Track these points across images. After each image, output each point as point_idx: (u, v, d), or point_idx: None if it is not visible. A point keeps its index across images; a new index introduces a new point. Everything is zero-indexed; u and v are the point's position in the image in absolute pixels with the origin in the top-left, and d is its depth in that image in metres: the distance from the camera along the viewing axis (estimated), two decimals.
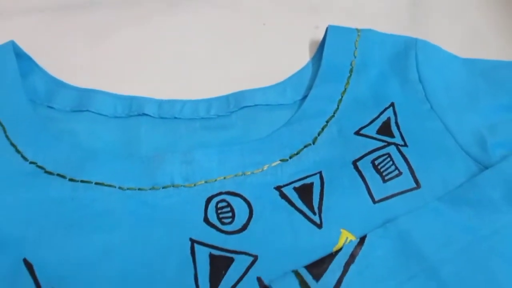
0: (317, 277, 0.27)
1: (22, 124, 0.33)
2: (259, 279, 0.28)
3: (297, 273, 0.27)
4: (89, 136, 0.34)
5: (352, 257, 0.28)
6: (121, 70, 0.39)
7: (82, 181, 0.31)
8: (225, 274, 0.28)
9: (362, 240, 0.28)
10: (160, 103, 0.36)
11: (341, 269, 0.27)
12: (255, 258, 0.29)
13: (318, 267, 0.27)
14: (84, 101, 0.36)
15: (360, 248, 0.28)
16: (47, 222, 0.30)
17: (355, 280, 0.27)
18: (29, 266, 0.27)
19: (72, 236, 0.29)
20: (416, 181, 0.31)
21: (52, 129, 0.34)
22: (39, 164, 0.32)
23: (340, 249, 0.28)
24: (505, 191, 0.29)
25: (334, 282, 0.27)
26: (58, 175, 0.32)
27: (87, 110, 0.36)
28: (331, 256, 0.28)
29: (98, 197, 0.31)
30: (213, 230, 0.30)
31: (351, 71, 0.37)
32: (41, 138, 0.33)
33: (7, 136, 0.33)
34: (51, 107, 0.36)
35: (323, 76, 0.36)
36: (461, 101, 0.35)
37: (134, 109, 0.36)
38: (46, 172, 0.32)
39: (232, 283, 0.28)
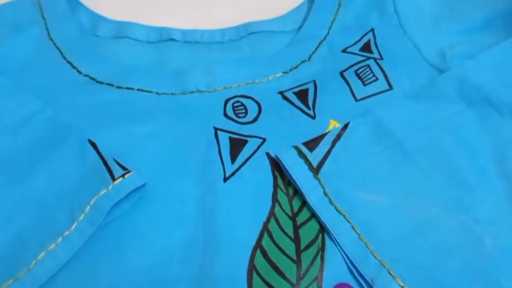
0: (311, 149, 0.36)
1: (75, 47, 0.42)
2: (267, 153, 0.37)
3: (296, 147, 0.36)
4: (128, 56, 0.43)
5: (338, 136, 0.36)
6: (150, 6, 0.47)
7: (127, 88, 0.40)
8: (241, 150, 0.37)
9: (346, 125, 0.37)
10: (184, 31, 0.45)
11: (330, 144, 0.36)
12: (264, 140, 0.37)
13: (312, 142, 0.36)
14: (122, 30, 0.44)
15: (345, 131, 0.37)
16: (101, 117, 0.38)
17: (340, 151, 0.36)
18: (93, 144, 0.35)
19: (121, 126, 0.38)
20: (389, 84, 0.40)
21: (99, 50, 0.43)
22: (91, 76, 0.40)
23: (329, 131, 0.37)
24: (457, 88, 0.38)
25: (324, 152, 0.36)
26: (108, 84, 0.40)
27: (126, 37, 0.44)
28: (322, 135, 0.37)
29: (140, 99, 0.39)
30: (231, 122, 0.38)
31: (339, 4, 0.45)
32: (91, 57, 0.41)
33: (64, 57, 0.41)
34: (96, 35, 0.44)
35: (316, 8, 0.45)
36: (428, 25, 0.43)
37: (163, 36, 0.44)
38: (98, 82, 0.40)
39: (247, 156, 0.36)
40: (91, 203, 0.32)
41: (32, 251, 0.30)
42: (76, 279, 0.30)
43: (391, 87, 0.40)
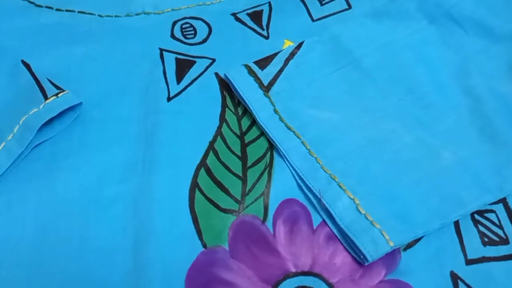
0: (262, 67, 0.33)
1: None
2: (216, 74, 0.34)
3: (246, 65, 0.33)
4: None
5: (292, 55, 0.34)
6: None
7: (67, 10, 0.37)
8: (188, 71, 0.34)
9: (300, 44, 0.35)
10: None
11: (282, 62, 0.34)
12: (213, 60, 0.35)
13: (263, 61, 0.34)
14: None
15: (299, 49, 0.34)
16: (39, 40, 0.35)
17: (293, 70, 0.34)
18: (26, 65, 0.33)
19: (60, 48, 0.35)
20: (348, 3, 0.38)
21: None
22: (29, 0, 0.37)
23: (282, 50, 0.34)
24: (418, 4, 0.36)
25: (276, 71, 0.33)
26: (47, 7, 0.37)
27: None
28: (275, 54, 0.34)
29: (81, 22, 0.37)
30: (178, 43, 0.36)
31: None
32: None
33: None
34: None
35: None
36: None
37: None
38: (37, 5, 0.37)
39: (194, 76, 0.34)
40: (20, 122, 0.29)
41: None
42: (2, 199, 0.28)
43: (349, 7, 0.38)
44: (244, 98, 0.32)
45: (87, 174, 0.29)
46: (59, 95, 0.30)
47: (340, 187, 0.28)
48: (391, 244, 0.26)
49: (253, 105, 0.32)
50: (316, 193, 0.28)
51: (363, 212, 0.27)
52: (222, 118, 0.32)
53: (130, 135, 0.31)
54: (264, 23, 0.37)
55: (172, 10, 0.37)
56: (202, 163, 0.30)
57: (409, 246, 0.27)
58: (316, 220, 0.28)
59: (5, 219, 0.27)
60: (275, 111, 0.31)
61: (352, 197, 0.28)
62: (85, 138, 0.31)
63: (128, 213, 0.28)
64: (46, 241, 0.27)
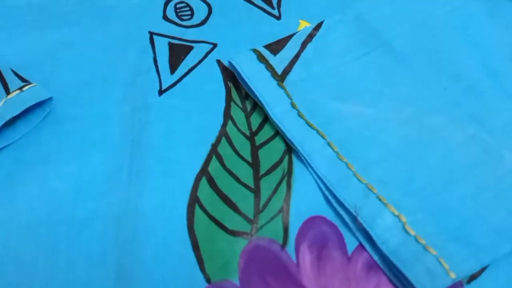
0: (274, 52, 0.27)
1: None
2: (218, 61, 0.28)
3: (255, 50, 0.27)
4: None
5: (310, 37, 0.28)
6: None
7: None
8: (184, 58, 0.28)
9: (319, 24, 0.29)
10: None
11: (299, 46, 0.28)
12: (215, 45, 0.29)
13: (276, 45, 0.28)
14: None
15: (318, 30, 0.28)
16: (5, 23, 0.29)
17: (312, 55, 0.27)
18: None
19: (29, 33, 0.29)
20: None
21: None
22: None
23: (298, 31, 0.28)
24: None
25: (291, 56, 0.27)
26: None
27: None
28: (289, 37, 0.28)
29: (54, 2, 0.31)
30: (172, 25, 0.30)
31: None
32: None
33: None
34: None
35: None
36: None
37: None
38: None
39: (192, 65, 0.28)
40: None
41: None
42: None
43: None
44: (254, 89, 0.26)
45: (58, 187, 0.23)
46: (24, 88, 0.24)
47: (380, 200, 0.22)
48: (452, 276, 0.20)
49: (265, 98, 0.25)
50: (350, 209, 0.22)
51: (412, 233, 0.21)
52: (227, 115, 0.26)
53: (113, 137, 0.25)
54: (274, 1, 0.31)
55: None
56: (204, 172, 0.24)
57: (473, 277, 0.21)
58: (351, 243, 0.22)
59: None
60: (293, 105, 0.25)
61: (396, 213, 0.21)
62: (56, 142, 0.25)
63: (109, 236, 0.22)
64: (3, 272, 0.21)
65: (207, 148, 0.25)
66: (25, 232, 0.22)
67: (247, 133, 0.25)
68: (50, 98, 0.25)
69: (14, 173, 0.23)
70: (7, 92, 0.24)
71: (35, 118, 0.25)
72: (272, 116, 0.25)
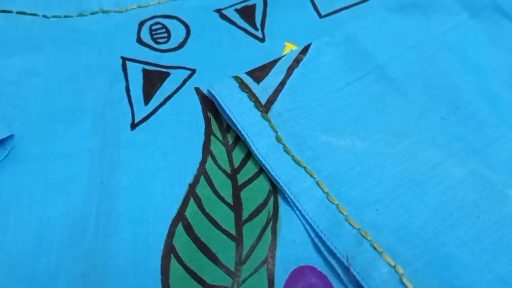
0: (258, 80, 0.25)
1: None
2: (197, 89, 0.26)
3: (236, 77, 0.25)
4: None
5: (296, 62, 0.26)
6: None
7: (2, 11, 0.28)
8: (160, 86, 0.26)
9: (306, 47, 0.27)
10: None
11: (284, 73, 0.26)
12: (193, 71, 0.26)
13: (259, 71, 0.26)
14: None
15: (304, 54, 0.26)
16: None
17: (299, 82, 0.25)
18: None
19: None
20: None
21: None
22: None
23: (283, 56, 0.26)
24: None
25: (276, 84, 0.25)
26: None
27: None
28: (273, 62, 0.26)
29: (19, 25, 0.28)
30: (146, 49, 0.27)
31: None
32: None
33: None
34: None
35: None
36: None
37: None
38: None
39: (168, 94, 0.25)
40: None
41: None
42: None
43: None
44: (236, 122, 0.23)
45: (16, 239, 0.21)
46: None
47: (375, 249, 0.20)
48: None
49: (248, 132, 0.23)
50: (342, 259, 0.20)
51: (410, 287, 0.19)
52: (206, 151, 0.23)
53: (79, 178, 0.22)
54: (258, 21, 0.29)
55: (138, 7, 0.29)
56: (180, 216, 0.21)
57: None
58: None
59: None
60: (278, 139, 0.23)
61: (393, 264, 0.19)
62: (16, 185, 0.22)
63: None
64: None
65: (184, 189, 0.22)
66: None
67: (229, 170, 0.23)
68: (11, 136, 0.22)
69: None
70: None
71: None
72: (255, 151, 0.23)
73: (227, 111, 0.24)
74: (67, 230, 0.21)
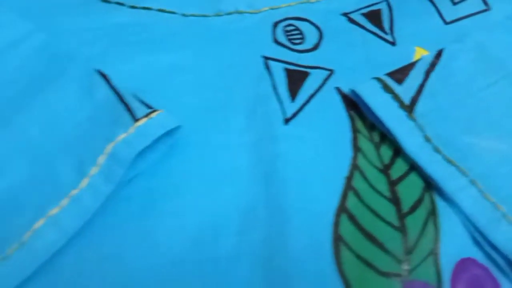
0: (399, 81, 0.26)
1: None
2: (338, 89, 0.27)
3: (379, 79, 0.26)
4: None
5: (432, 66, 0.27)
6: None
7: (143, 8, 0.30)
8: (302, 85, 0.27)
9: (439, 52, 0.28)
10: None
11: (422, 75, 0.27)
12: (331, 72, 0.28)
13: (399, 73, 0.27)
14: None
15: (438, 59, 0.28)
16: (111, 43, 0.29)
17: (437, 85, 0.27)
18: (104, 76, 0.26)
19: (138, 56, 0.28)
20: (485, 3, 0.31)
21: None
22: None
23: (419, 59, 0.28)
24: None
25: (416, 86, 0.26)
26: (117, 3, 0.30)
27: None
28: (411, 64, 0.27)
29: (161, 22, 0.30)
30: (284, 49, 0.29)
31: None
32: None
33: None
34: None
35: None
36: None
37: None
38: (104, 0, 0.30)
39: (311, 92, 0.27)
40: (106, 151, 0.22)
41: (27, 218, 0.20)
42: (83, 259, 0.21)
43: (487, 7, 0.31)
44: (385, 121, 0.25)
45: (197, 222, 0.22)
46: (151, 115, 0.23)
47: None
48: None
49: (397, 131, 0.25)
50: (505, 253, 0.21)
51: None
52: (355, 147, 0.25)
53: (242, 169, 0.24)
54: (386, 25, 0.30)
55: (271, 9, 0.31)
56: (342, 208, 0.23)
57: None
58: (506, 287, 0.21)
59: (99, 283, 0.20)
60: (427, 139, 0.24)
61: None
62: (186, 172, 0.24)
63: (257, 277, 0.21)
64: None
65: (341, 182, 0.24)
66: (168, 271, 0.21)
67: (380, 166, 0.24)
68: (178, 126, 0.24)
69: (148, 205, 0.23)
70: (134, 118, 0.23)
71: (162, 146, 0.24)
72: (407, 150, 0.24)
73: (375, 111, 0.25)
74: (240, 217, 0.22)
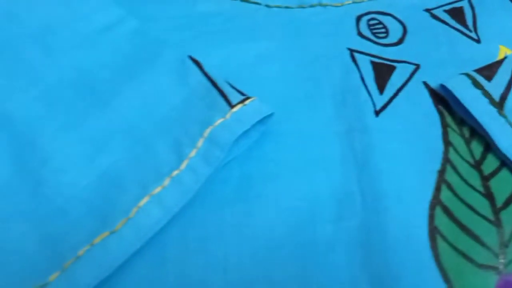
0: (488, 78, 0.26)
1: None
2: (425, 83, 0.27)
3: (468, 75, 0.26)
4: None
5: None
6: None
7: None
8: (389, 78, 0.27)
9: None
10: None
11: (510, 73, 0.27)
12: (417, 66, 0.28)
13: (487, 70, 0.27)
14: None
15: None
16: (198, 32, 0.29)
17: None
18: (196, 61, 0.26)
19: (226, 45, 0.29)
20: None
21: None
22: None
23: (505, 58, 0.27)
24: None
25: (505, 83, 0.26)
26: None
27: None
28: (498, 62, 0.27)
29: (246, 12, 0.30)
30: (369, 43, 0.29)
31: None
32: None
33: None
34: None
35: None
36: None
37: None
38: None
39: (398, 86, 0.27)
40: (205, 134, 0.23)
41: (131, 195, 0.21)
42: (187, 238, 0.22)
43: None
44: (478, 117, 0.25)
45: (294, 206, 0.23)
46: (245, 102, 0.24)
47: None
48: None
49: (490, 127, 0.25)
50: None
51: None
52: (446, 141, 0.25)
53: (334, 157, 0.24)
54: (469, 23, 0.30)
55: (353, 2, 0.31)
56: (437, 200, 0.23)
57: None
58: None
59: (202, 261, 0.21)
60: None
61: None
62: (279, 158, 0.24)
63: (356, 265, 0.21)
64: None
65: (434, 175, 0.24)
66: (266, 253, 0.21)
67: (471, 161, 0.24)
68: (271, 114, 0.25)
69: (244, 189, 0.23)
70: (230, 104, 0.24)
71: (254, 133, 0.25)
72: (501, 147, 0.24)
73: (467, 107, 0.25)
74: (335, 205, 0.23)
